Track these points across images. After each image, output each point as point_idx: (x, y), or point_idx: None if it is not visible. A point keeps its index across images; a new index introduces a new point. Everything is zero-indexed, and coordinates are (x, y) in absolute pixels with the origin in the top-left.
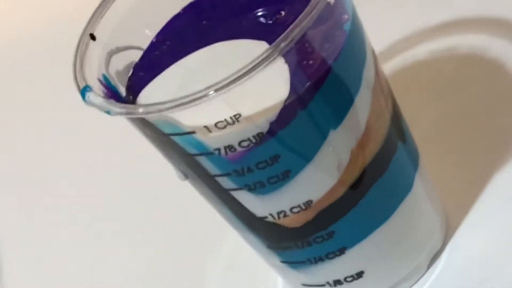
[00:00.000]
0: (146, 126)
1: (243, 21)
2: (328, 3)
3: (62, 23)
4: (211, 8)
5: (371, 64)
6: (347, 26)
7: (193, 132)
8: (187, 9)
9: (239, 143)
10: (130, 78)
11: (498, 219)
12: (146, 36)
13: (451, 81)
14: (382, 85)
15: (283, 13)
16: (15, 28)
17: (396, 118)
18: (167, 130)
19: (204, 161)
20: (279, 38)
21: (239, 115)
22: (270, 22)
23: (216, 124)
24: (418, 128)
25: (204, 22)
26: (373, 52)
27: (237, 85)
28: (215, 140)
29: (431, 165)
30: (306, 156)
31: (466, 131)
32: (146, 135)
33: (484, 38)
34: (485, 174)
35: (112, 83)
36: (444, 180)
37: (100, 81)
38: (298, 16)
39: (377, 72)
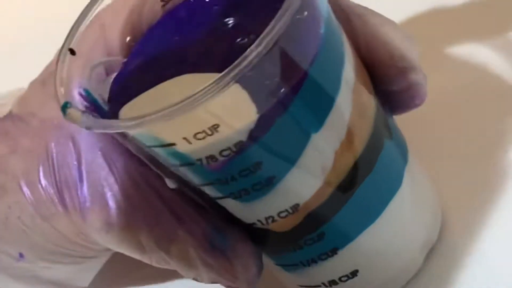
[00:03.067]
0: (127, 139)
1: (212, 40)
2: (299, 18)
3: (44, 34)
4: (188, 18)
5: (350, 64)
6: (322, 29)
7: (174, 144)
8: (165, 19)
9: (220, 153)
10: (110, 90)
11: (494, 214)
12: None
13: (450, 81)
14: (364, 83)
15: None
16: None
17: (381, 115)
18: (147, 143)
19: (187, 171)
20: (230, 67)
21: (217, 125)
22: (239, 42)
23: (195, 135)
24: (416, 127)
25: (177, 37)
26: (352, 52)
27: (202, 101)
28: (196, 151)
29: (428, 162)
30: (289, 161)
31: (464, 129)
32: (130, 146)
33: (481, 39)
34: (482, 170)
35: (94, 96)
36: (441, 176)
37: (81, 95)
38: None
39: (358, 70)
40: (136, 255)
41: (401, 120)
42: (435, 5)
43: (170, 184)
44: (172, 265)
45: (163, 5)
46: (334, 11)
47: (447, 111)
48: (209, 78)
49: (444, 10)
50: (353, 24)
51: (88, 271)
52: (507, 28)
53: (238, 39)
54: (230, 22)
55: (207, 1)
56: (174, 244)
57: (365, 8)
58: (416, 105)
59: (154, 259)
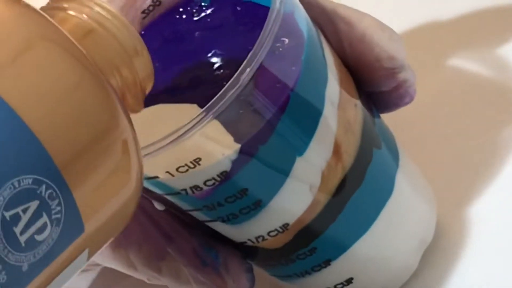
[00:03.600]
0: None
1: (189, 70)
2: (277, 47)
3: None
4: (170, 39)
5: (333, 81)
6: (302, 56)
7: (157, 177)
8: (148, 35)
9: (204, 183)
10: None
11: (490, 214)
12: None
13: (448, 81)
14: (349, 92)
15: (222, 71)
16: None
17: (368, 126)
18: None
19: (173, 199)
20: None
21: (199, 158)
22: (215, 73)
23: (177, 169)
24: (412, 128)
25: (157, 63)
26: (335, 63)
27: (174, 144)
28: (179, 183)
29: (423, 162)
30: (275, 185)
31: (460, 130)
32: None
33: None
34: (477, 170)
35: None
36: (436, 176)
37: None
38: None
39: (342, 81)
40: (128, 272)
41: (396, 122)
42: (436, 8)
43: (158, 206)
44: (163, 282)
45: (144, 18)
46: (317, 15)
47: (443, 113)
48: (182, 109)
49: (443, 14)
50: (338, 28)
51: (85, 279)
52: (503, 33)
53: (214, 70)
54: (209, 53)
55: (194, 21)
56: (164, 262)
57: (349, 9)
58: (405, 104)
59: (146, 276)
